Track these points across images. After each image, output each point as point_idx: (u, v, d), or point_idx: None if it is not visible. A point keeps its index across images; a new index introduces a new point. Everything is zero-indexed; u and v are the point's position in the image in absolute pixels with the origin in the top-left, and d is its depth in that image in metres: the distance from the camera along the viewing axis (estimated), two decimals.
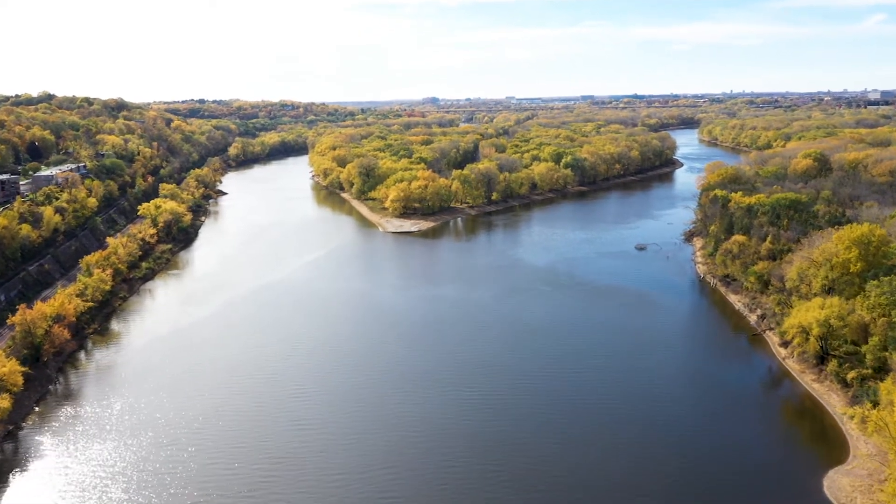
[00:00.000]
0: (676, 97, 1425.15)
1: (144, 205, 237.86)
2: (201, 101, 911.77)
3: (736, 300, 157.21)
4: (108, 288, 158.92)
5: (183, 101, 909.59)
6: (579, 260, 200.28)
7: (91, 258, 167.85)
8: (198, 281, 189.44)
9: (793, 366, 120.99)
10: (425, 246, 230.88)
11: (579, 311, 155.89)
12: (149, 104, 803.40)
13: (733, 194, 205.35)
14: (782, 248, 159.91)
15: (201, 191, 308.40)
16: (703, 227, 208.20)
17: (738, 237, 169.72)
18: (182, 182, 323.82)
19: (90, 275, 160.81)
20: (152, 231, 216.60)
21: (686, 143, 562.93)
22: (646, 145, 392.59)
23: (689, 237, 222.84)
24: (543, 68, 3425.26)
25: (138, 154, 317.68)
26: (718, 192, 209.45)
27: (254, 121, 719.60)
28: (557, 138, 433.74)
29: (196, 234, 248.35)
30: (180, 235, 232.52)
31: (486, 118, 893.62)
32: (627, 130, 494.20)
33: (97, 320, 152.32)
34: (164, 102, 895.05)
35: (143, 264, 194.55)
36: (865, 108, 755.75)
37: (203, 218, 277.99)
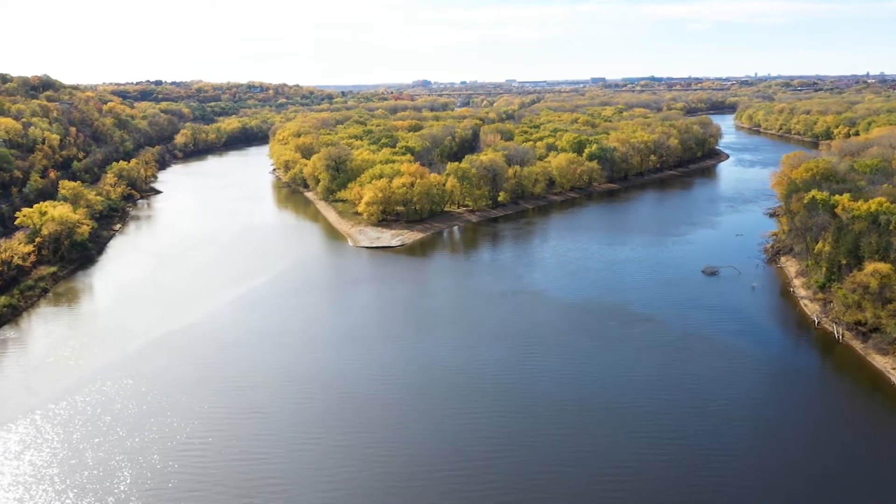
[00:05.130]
0: (698, 80, 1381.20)
1: (25, 210, 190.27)
2: (157, 83, 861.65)
3: (887, 365, 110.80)
4: None
5: (137, 83, 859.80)
6: (625, 292, 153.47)
7: None
8: (75, 326, 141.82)
9: None
10: (410, 267, 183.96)
11: (638, 387, 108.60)
12: (94, 86, 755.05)
13: (837, 196, 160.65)
14: None
15: (121, 189, 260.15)
16: (802, 242, 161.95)
17: (878, 265, 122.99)
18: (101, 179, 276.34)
19: None
20: (27, 248, 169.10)
21: (723, 131, 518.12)
22: (686, 132, 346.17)
23: (773, 256, 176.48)
24: (547, 49, 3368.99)
25: (42, 142, 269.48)
26: (817, 193, 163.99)
27: (212, 104, 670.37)
28: (575, 123, 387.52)
29: (101, 250, 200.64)
30: (73, 253, 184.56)
31: (484, 102, 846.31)
32: (661, 114, 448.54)
33: None
34: (116, 84, 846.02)
35: (1, 299, 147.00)
36: None
37: (118, 226, 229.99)
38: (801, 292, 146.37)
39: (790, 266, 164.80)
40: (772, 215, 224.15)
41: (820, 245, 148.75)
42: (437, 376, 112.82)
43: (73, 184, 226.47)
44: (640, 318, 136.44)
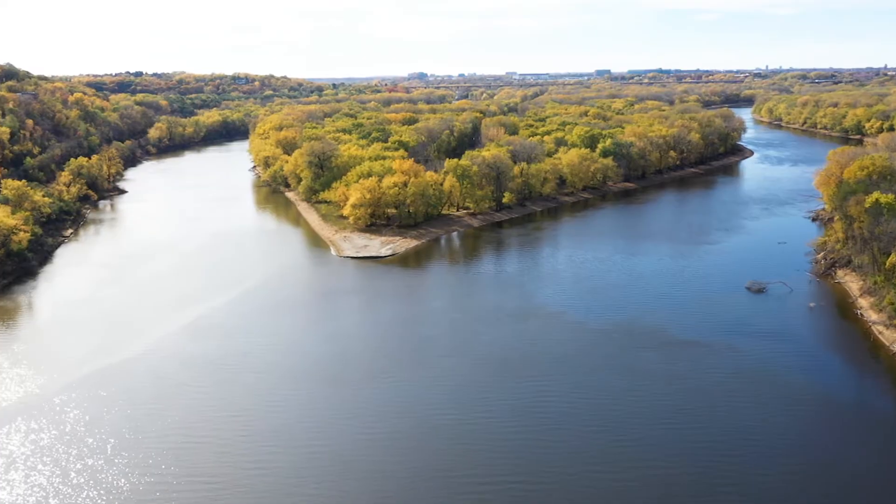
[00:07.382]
0: (709, 72, 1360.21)
1: None
2: (137, 74, 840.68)
3: None
4: None
5: (115, 74, 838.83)
6: (658, 313, 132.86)
7: None
8: None
9: None
10: (401, 282, 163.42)
11: (687, 445, 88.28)
12: (69, 77, 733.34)
13: None
14: None
15: (77, 189, 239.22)
16: (866, 254, 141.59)
17: None
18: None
19: None
20: None
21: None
22: (708, 125, 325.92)
23: (826, 269, 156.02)
24: (548, 40, 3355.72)
25: None
26: (882, 196, 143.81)
27: (193, 96, 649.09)
28: (585, 117, 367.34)
29: (45, 260, 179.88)
30: (8, 264, 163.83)
31: (484, 95, 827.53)
32: (678, 107, 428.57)
33: None
34: (93, 75, 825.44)
35: None
36: None
37: (69, 232, 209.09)
38: (872, 315, 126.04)
39: (851, 282, 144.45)
40: (815, 219, 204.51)
41: (892, 258, 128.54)
42: (430, 430, 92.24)
43: (17, 183, 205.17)
44: (681, 348, 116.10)
